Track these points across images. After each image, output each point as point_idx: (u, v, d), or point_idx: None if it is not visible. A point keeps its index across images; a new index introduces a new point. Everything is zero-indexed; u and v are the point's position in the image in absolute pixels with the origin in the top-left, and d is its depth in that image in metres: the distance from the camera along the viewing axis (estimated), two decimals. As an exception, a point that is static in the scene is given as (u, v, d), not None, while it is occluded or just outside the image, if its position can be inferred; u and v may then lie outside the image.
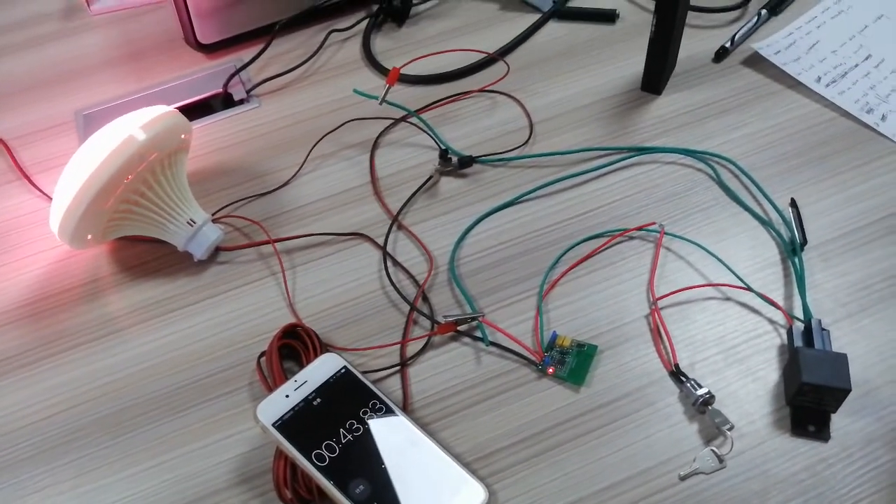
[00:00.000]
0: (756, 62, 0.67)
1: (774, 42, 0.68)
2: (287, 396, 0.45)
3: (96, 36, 0.77)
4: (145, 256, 0.57)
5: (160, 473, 0.46)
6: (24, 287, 0.56)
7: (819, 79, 0.64)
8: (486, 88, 0.67)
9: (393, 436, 0.44)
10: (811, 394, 0.44)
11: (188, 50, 0.74)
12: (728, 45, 0.67)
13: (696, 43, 0.69)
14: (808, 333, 0.47)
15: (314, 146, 0.63)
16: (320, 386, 0.46)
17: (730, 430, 0.45)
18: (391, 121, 0.65)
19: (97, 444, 0.48)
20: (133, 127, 0.52)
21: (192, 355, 0.51)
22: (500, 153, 0.61)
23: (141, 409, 0.49)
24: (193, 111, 0.68)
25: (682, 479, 0.44)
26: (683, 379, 0.47)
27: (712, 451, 0.44)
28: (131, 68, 0.73)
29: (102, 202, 0.51)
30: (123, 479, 0.46)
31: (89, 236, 0.53)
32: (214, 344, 0.52)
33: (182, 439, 0.48)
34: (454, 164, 0.60)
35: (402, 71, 0.65)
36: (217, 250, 0.57)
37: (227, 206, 0.60)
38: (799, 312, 0.49)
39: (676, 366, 0.48)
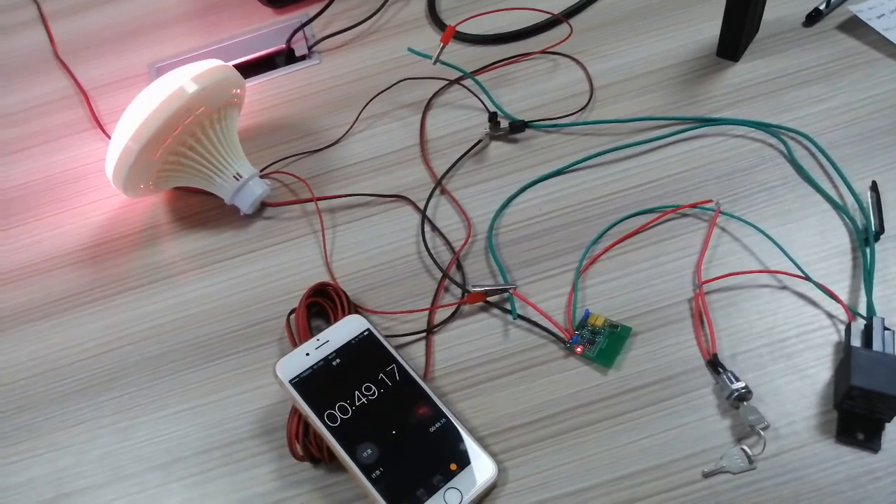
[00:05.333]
0: (854, 27, 0.60)
1: (878, 4, 0.61)
2: (307, 354, 0.46)
3: (175, -11, 0.79)
4: (197, 207, 0.59)
5: (191, 417, 0.48)
6: (87, 231, 0.59)
7: (925, 47, 0.57)
8: (548, 50, 0.63)
9: (408, 403, 0.44)
10: (861, 399, 0.40)
11: (259, 5, 0.74)
12: (822, 6, 0.61)
13: (784, 4, 0.63)
14: (867, 332, 0.43)
15: (365, 105, 0.63)
16: (341, 347, 0.46)
17: (764, 429, 0.41)
18: (445, 82, 0.63)
19: (137, 385, 0.50)
20: (183, 80, 0.53)
21: (230, 307, 0.53)
22: (555, 118, 0.58)
23: (178, 355, 0.51)
24: (258, 66, 0.69)
25: (706, 476, 0.41)
26: (720, 370, 0.44)
27: (742, 449, 0.41)
28: (204, 22, 0.74)
29: (151, 153, 0.52)
30: (157, 419, 0.48)
31: (142, 186, 0.55)
32: (252, 297, 0.53)
33: (213, 387, 0.49)
34: (504, 128, 0.58)
35: (461, 30, 0.63)
36: (263, 205, 0.58)
37: (276, 161, 0.61)
38: (863, 309, 0.45)
39: (714, 355, 0.45)
